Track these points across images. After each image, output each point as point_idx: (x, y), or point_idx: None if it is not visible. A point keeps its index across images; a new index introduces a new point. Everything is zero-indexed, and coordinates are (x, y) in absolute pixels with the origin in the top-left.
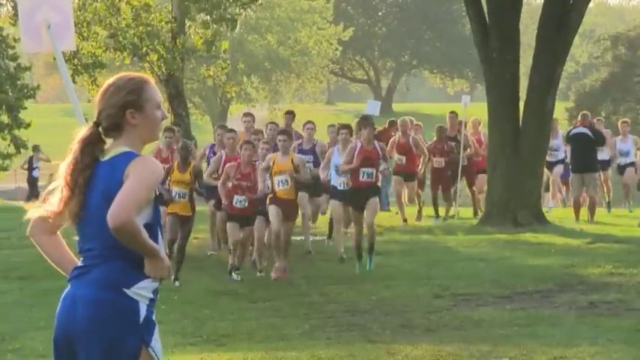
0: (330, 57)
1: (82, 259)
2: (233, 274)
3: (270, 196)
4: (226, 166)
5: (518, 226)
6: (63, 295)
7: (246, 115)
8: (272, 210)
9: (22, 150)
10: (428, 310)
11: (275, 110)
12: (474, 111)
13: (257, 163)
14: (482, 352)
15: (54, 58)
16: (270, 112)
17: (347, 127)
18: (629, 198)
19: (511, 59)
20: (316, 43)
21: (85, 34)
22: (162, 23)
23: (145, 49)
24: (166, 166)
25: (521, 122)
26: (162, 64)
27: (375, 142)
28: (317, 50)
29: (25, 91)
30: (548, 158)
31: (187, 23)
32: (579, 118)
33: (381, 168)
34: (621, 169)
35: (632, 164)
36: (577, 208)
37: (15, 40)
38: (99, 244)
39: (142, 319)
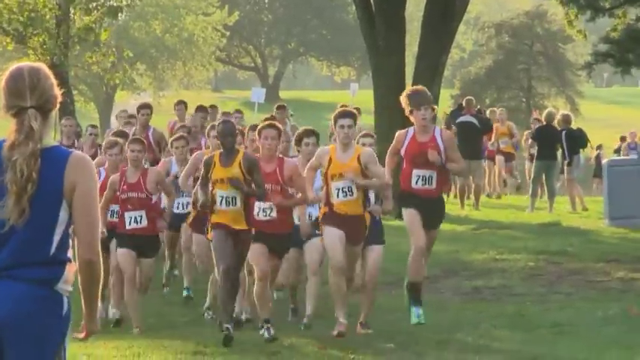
0: (217, 44)
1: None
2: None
3: (325, 210)
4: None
5: None
6: None
7: (143, 107)
8: (330, 234)
9: None
10: None
11: (160, 97)
12: (361, 99)
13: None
14: (368, 337)
15: None
16: (154, 100)
17: (314, 133)
18: None
19: (397, 47)
20: (202, 30)
21: None
22: (46, 9)
23: (29, 34)
24: (205, 157)
25: None
26: (45, 51)
27: (436, 129)
28: (203, 37)
29: None
30: None
31: (72, 10)
32: (464, 104)
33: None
34: None
35: None
36: (462, 194)
37: None
38: (34, 244)
39: (64, 312)
